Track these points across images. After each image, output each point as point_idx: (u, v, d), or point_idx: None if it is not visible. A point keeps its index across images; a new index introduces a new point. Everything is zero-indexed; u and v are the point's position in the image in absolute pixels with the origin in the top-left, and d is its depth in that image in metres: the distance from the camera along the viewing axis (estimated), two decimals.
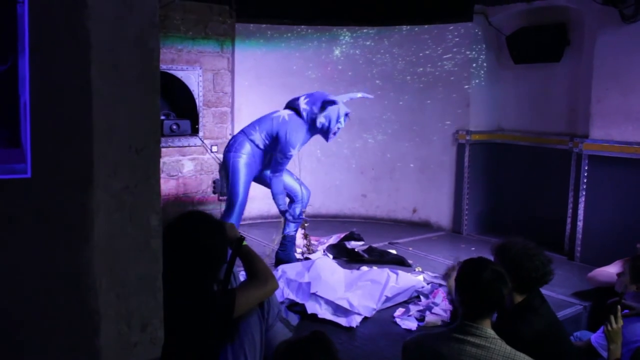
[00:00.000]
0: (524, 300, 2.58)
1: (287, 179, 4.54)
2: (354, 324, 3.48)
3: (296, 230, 4.61)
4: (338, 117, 4.32)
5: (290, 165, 4.58)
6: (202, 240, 2.09)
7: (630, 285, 3.00)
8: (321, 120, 4.31)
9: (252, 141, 4.35)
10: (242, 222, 4.59)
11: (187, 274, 2.07)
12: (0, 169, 1.04)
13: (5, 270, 1.13)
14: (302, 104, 4.38)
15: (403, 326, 3.52)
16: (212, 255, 2.12)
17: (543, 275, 2.60)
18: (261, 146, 4.37)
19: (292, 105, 4.47)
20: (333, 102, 4.31)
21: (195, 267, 2.08)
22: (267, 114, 4.51)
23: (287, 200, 4.56)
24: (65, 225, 1.17)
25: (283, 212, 4.53)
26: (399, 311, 3.71)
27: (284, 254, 4.53)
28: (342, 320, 3.51)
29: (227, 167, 4.38)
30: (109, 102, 1.19)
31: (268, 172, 4.47)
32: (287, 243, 4.56)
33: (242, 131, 4.47)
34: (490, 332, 2.17)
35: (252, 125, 4.45)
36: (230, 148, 4.38)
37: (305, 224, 4.80)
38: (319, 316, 3.53)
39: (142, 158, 1.27)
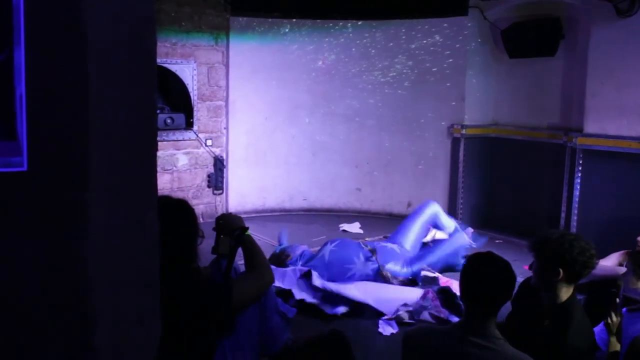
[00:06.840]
0: (568, 301, 2.46)
1: None
2: (338, 312, 3.53)
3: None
4: None
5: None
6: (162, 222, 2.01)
7: (637, 282, 2.98)
8: None
9: None
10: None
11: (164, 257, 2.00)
12: None
13: (0, 266, 1.12)
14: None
15: (384, 333, 3.46)
16: (174, 232, 2.00)
17: (590, 258, 2.45)
18: None
19: None
20: None
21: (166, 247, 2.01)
22: None
23: None
24: (61, 220, 1.16)
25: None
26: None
27: None
28: (327, 307, 3.55)
29: None
30: (105, 96, 1.18)
31: None
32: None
33: None
34: (495, 332, 2.04)
35: None
36: None
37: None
38: (307, 301, 3.58)
39: (138, 152, 1.26)
